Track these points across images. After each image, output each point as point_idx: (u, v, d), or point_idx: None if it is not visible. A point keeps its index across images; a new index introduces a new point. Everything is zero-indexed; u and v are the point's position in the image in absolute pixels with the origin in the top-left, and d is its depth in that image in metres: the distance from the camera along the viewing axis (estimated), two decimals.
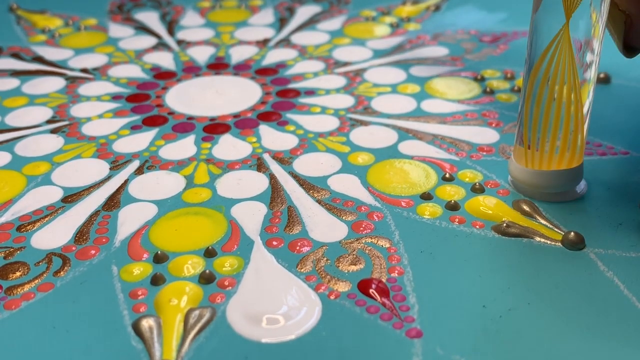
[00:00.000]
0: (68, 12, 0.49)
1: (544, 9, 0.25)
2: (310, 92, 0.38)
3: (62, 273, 0.25)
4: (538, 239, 0.26)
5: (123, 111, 0.36)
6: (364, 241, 0.26)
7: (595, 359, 0.21)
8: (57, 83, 0.40)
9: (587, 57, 0.25)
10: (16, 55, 0.43)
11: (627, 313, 0.23)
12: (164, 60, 0.42)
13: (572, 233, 0.25)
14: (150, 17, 0.49)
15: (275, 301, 0.23)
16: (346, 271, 0.25)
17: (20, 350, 0.22)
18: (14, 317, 0.23)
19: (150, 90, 0.38)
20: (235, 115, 0.35)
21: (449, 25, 0.46)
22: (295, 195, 0.29)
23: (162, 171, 0.31)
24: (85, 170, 0.31)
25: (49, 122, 0.35)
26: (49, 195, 0.29)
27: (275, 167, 0.31)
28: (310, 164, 0.31)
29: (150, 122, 0.35)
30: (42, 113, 0.36)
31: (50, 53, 0.43)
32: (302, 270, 0.25)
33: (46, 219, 0.28)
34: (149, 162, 0.32)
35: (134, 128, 0.35)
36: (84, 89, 0.39)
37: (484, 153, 0.31)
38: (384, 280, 0.24)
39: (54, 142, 0.33)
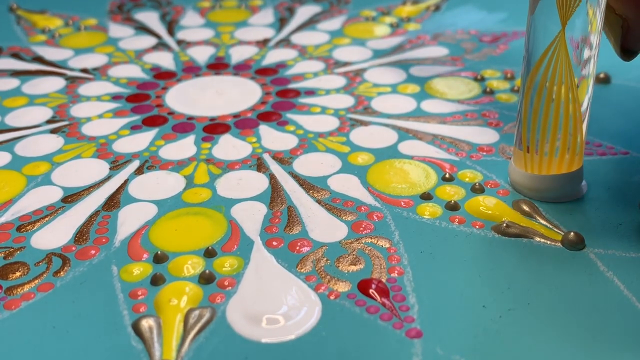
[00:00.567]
0: (68, 12, 0.49)
1: (540, 11, 0.25)
2: (310, 92, 0.38)
3: (62, 273, 0.25)
4: (538, 239, 0.26)
5: (123, 111, 0.36)
6: (363, 241, 0.26)
7: (596, 358, 0.21)
8: (57, 83, 0.40)
9: (585, 53, 0.25)
10: (16, 55, 0.43)
11: (627, 313, 0.23)
12: (164, 60, 0.42)
13: (572, 233, 0.25)
14: (150, 17, 0.49)
15: (275, 301, 0.23)
16: (346, 271, 0.25)
17: (20, 351, 0.22)
18: (13, 318, 0.23)
19: (150, 90, 0.39)
20: (235, 115, 0.35)
21: (449, 25, 0.46)
22: (295, 195, 0.29)
23: (162, 171, 0.31)
24: (85, 170, 0.31)
25: (49, 122, 0.35)
26: (48, 195, 0.29)
27: (275, 167, 0.31)
28: (310, 164, 0.31)
29: (150, 122, 0.35)
30: (42, 113, 0.36)
31: (50, 53, 0.43)
32: (302, 270, 0.25)
33: (46, 219, 0.28)
34: (149, 162, 0.32)
35: (134, 128, 0.35)
36: (84, 89, 0.39)
37: (484, 153, 0.31)
38: (383, 280, 0.24)
39: (54, 142, 0.33)
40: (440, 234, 0.26)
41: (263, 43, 0.44)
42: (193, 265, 0.25)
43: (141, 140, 0.33)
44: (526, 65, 0.26)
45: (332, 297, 0.24)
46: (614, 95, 0.36)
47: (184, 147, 0.33)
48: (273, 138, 0.33)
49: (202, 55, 0.43)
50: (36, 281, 0.25)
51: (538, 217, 0.27)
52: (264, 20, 0.48)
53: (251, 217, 0.28)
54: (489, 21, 0.46)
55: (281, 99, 0.37)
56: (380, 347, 0.22)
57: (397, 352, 0.21)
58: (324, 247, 0.26)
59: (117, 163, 0.32)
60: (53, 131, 0.34)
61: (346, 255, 0.25)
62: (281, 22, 0.47)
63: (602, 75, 0.37)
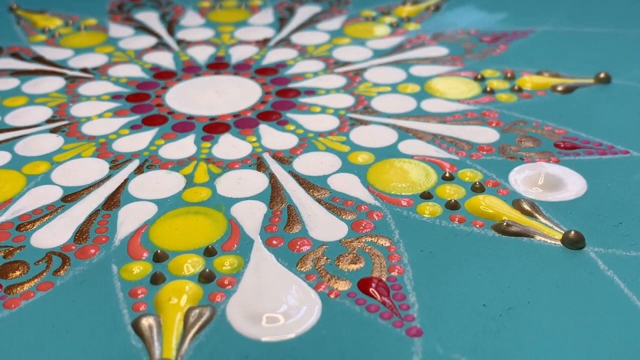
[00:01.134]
0: (68, 12, 0.49)
1: None
2: (310, 92, 0.38)
3: (61, 272, 0.25)
4: (538, 237, 0.26)
5: (123, 111, 0.36)
6: (364, 240, 0.26)
7: (596, 357, 0.21)
8: (57, 83, 0.39)
9: None
10: (16, 55, 0.43)
11: (627, 311, 0.23)
12: (164, 60, 0.42)
13: (572, 232, 0.25)
14: (150, 17, 0.49)
15: (275, 300, 0.23)
16: (346, 270, 0.25)
17: (20, 349, 0.22)
18: (13, 316, 0.23)
19: (150, 89, 0.38)
20: (235, 115, 0.35)
21: (449, 25, 0.46)
22: (295, 194, 0.29)
23: (162, 170, 0.31)
24: (85, 169, 0.31)
25: (48, 121, 0.35)
26: (48, 194, 0.29)
27: (275, 167, 0.31)
28: (310, 163, 0.31)
29: (150, 121, 0.35)
30: (42, 113, 0.36)
31: (50, 53, 0.43)
32: (302, 269, 0.25)
33: (46, 218, 0.28)
34: (148, 162, 0.32)
35: (134, 127, 0.35)
36: (84, 89, 0.39)
37: (484, 152, 0.31)
38: (384, 279, 0.24)
39: (54, 142, 0.33)
40: (440, 233, 0.26)
41: (263, 43, 0.44)
42: (193, 264, 0.25)
43: (141, 140, 0.33)
44: None
45: (332, 296, 0.23)
46: (615, 95, 0.36)
47: (184, 147, 0.33)
48: (273, 137, 0.33)
49: (202, 55, 0.43)
50: (36, 280, 0.25)
51: (538, 216, 0.27)
52: (264, 20, 0.48)
53: (251, 216, 0.28)
54: (489, 21, 0.46)
55: (281, 98, 0.37)
56: (381, 345, 0.22)
57: (397, 350, 0.21)
58: (324, 246, 0.26)
59: (117, 162, 0.32)
60: (53, 131, 0.34)
61: (346, 254, 0.25)
62: (281, 22, 0.47)
63: (602, 75, 0.37)
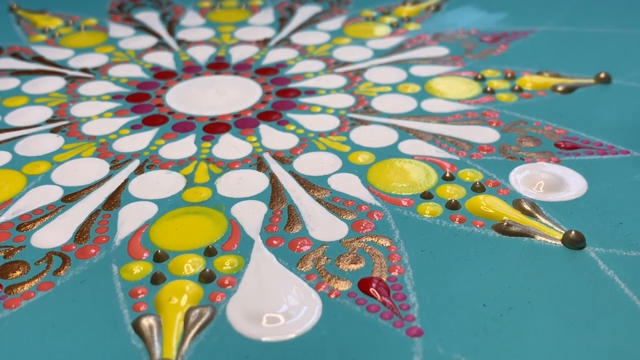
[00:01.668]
0: (68, 12, 0.49)
1: None
2: (311, 92, 0.38)
3: (62, 272, 0.25)
4: (539, 237, 0.26)
5: (123, 111, 0.36)
6: (364, 240, 0.26)
7: (596, 357, 0.21)
8: (57, 83, 0.39)
9: None
10: (16, 55, 0.43)
11: (627, 312, 0.23)
12: (164, 60, 0.42)
13: (573, 232, 0.25)
14: (150, 17, 0.49)
15: (275, 300, 0.23)
16: (346, 270, 0.25)
17: (20, 349, 0.22)
18: (14, 316, 0.23)
19: (151, 89, 0.38)
20: (236, 115, 0.35)
21: (449, 25, 0.46)
22: (296, 194, 0.29)
23: (162, 170, 0.31)
24: (86, 169, 0.31)
25: (49, 121, 0.35)
26: (49, 194, 0.29)
27: (275, 167, 0.31)
28: (310, 163, 0.31)
29: (151, 121, 0.35)
30: (42, 112, 0.36)
31: (50, 53, 0.43)
32: (303, 269, 0.25)
33: (46, 218, 0.28)
34: (149, 162, 0.32)
35: (134, 127, 0.35)
36: (84, 89, 0.39)
37: (485, 152, 0.31)
38: (384, 279, 0.24)
39: (54, 142, 0.33)
40: (440, 233, 0.26)
41: (263, 43, 0.44)
42: (193, 264, 0.25)
43: (141, 140, 0.33)
44: None
45: (332, 296, 0.23)
46: (615, 95, 0.36)
47: (184, 147, 0.33)
48: (273, 137, 0.33)
49: (202, 55, 0.43)
50: (36, 280, 0.25)
51: (539, 216, 0.27)
52: (264, 20, 0.48)
53: (251, 216, 0.28)
54: (489, 21, 0.46)
55: (281, 98, 0.37)
56: (381, 345, 0.22)
57: (397, 350, 0.21)
58: (324, 246, 0.26)
59: (117, 162, 0.32)
60: (53, 131, 0.34)
61: (347, 254, 0.25)
62: (281, 22, 0.47)
63: (602, 75, 0.37)
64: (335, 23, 0.47)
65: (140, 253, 0.26)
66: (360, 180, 0.30)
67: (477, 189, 0.29)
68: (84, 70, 0.41)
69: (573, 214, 0.27)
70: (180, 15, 0.49)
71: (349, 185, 0.29)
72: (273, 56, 0.42)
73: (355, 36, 0.45)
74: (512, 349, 0.21)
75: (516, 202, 0.28)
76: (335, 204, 0.28)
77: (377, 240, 0.26)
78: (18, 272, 0.25)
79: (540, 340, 0.22)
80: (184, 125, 0.35)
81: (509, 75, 0.38)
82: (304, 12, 0.49)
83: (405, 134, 0.33)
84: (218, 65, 0.41)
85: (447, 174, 0.30)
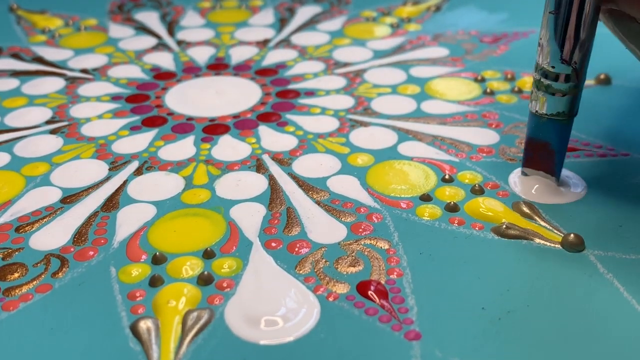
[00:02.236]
0: (68, 12, 0.49)
1: None
2: (310, 93, 0.38)
3: (60, 274, 0.25)
4: (538, 240, 0.26)
5: (122, 112, 0.36)
6: (363, 242, 0.26)
7: None
8: (57, 83, 0.39)
9: None
10: (16, 56, 0.43)
11: (626, 316, 0.23)
12: (164, 60, 0.42)
13: (572, 235, 0.25)
14: (150, 18, 0.49)
15: (273, 303, 0.23)
16: (345, 273, 0.25)
17: (18, 352, 0.22)
18: (11, 319, 0.23)
19: (150, 90, 0.38)
20: (235, 116, 0.35)
21: (449, 25, 0.46)
22: (295, 196, 0.29)
23: (161, 172, 0.31)
24: (85, 171, 0.31)
25: (48, 122, 0.35)
26: (47, 196, 0.29)
27: (274, 168, 0.31)
28: (309, 165, 0.31)
29: (150, 122, 0.35)
30: (42, 113, 0.36)
31: (50, 53, 0.43)
32: (301, 271, 0.25)
33: (45, 220, 0.28)
34: (148, 163, 0.32)
35: (134, 129, 0.35)
36: (84, 90, 0.39)
37: (484, 154, 0.31)
38: (382, 282, 0.24)
39: (53, 143, 0.33)
40: (439, 236, 0.26)
41: (263, 43, 0.44)
42: (192, 267, 0.25)
43: (140, 141, 0.33)
44: None
45: (331, 299, 0.23)
46: (615, 97, 0.36)
47: (183, 148, 0.33)
48: (272, 139, 0.33)
49: (202, 55, 0.43)
50: (34, 282, 0.25)
51: (538, 219, 0.27)
52: (264, 20, 0.48)
53: (250, 218, 0.28)
54: (490, 22, 0.46)
55: (281, 99, 0.37)
56: (379, 349, 0.22)
57: (395, 354, 0.21)
58: (323, 249, 0.26)
59: (116, 164, 0.32)
60: (52, 132, 0.34)
61: (345, 257, 0.25)
62: (281, 23, 0.47)
63: (602, 77, 0.37)
64: (335, 24, 0.47)
65: (138, 255, 0.26)
66: (359, 182, 0.30)
67: (477, 191, 0.29)
68: (84, 71, 0.41)
69: (572, 217, 0.27)
70: (180, 15, 0.49)
71: (348, 187, 0.29)
72: (273, 57, 0.42)
73: (355, 37, 0.45)
74: (510, 352, 0.21)
75: (515, 205, 0.28)
76: (334, 206, 0.28)
77: (376, 242, 0.26)
78: (16, 274, 0.25)
79: (539, 343, 0.22)
80: (183, 126, 0.35)
81: (509, 76, 0.38)
82: (304, 13, 0.49)
83: (405, 135, 0.33)
84: (218, 66, 0.41)
85: (447, 176, 0.30)
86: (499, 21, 0.46)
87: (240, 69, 0.41)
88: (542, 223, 0.27)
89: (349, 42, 0.44)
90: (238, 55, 0.43)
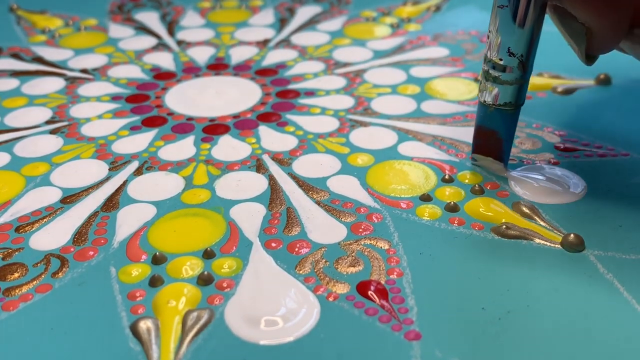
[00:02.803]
0: (68, 13, 0.49)
1: None
2: (310, 93, 0.38)
3: (60, 274, 0.25)
4: (537, 240, 0.26)
5: (122, 112, 0.36)
6: (363, 243, 0.26)
7: None
8: (57, 83, 0.39)
9: None
10: (16, 56, 0.43)
11: (626, 315, 0.23)
12: (164, 60, 0.42)
13: (572, 235, 0.25)
14: (150, 18, 0.49)
15: (273, 303, 0.23)
16: (345, 273, 0.25)
17: (18, 352, 0.22)
18: (11, 319, 0.23)
19: (150, 90, 0.38)
20: (235, 116, 0.35)
21: (449, 25, 0.46)
22: (295, 196, 0.29)
23: (161, 172, 0.31)
24: (84, 171, 0.31)
25: (48, 122, 0.35)
26: (47, 196, 0.29)
27: (274, 168, 0.31)
28: (309, 165, 0.31)
29: (150, 122, 0.35)
30: (42, 113, 0.36)
31: (50, 53, 0.43)
32: (301, 272, 0.25)
33: (45, 220, 0.28)
34: (148, 163, 0.32)
35: (133, 129, 0.35)
36: (84, 90, 0.39)
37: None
38: (382, 282, 0.24)
39: (53, 143, 0.33)
40: (439, 236, 0.26)
41: (263, 43, 0.44)
42: (192, 267, 0.25)
43: (140, 141, 0.33)
44: None
45: (330, 299, 0.23)
46: (615, 97, 0.36)
47: (183, 148, 0.33)
48: (273, 139, 0.33)
49: (202, 55, 0.43)
50: (34, 282, 0.25)
51: (538, 219, 0.27)
52: (264, 20, 0.48)
53: (250, 219, 0.28)
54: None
55: (281, 99, 0.37)
56: (379, 349, 0.22)
57: (395, 354, 0.21)
58: (323, 249, 0.26)
59: (116, 164, 0.32)
60: (52, 132, 0.34)
61: (345, 257, 0.25)
62: (281, 23, 0.47)
63: (602, 77, 0.37)
64: (335, 24, 0.47)
65: (138, 255, 0.26)
66: (359, 182, 0.30)
67: (476, 191, 0.29)
68: (84, 71, 0.41)
69: (572, 217, 0.27)
70: (180, 15, 0.49)
71: (348, 187, 0.29)
72: (273, 57, 0.42)
73: (355, 37, 0.45)
74: (510, 352, 0.21)
75: (515, 205, 0.28)
76: (334, 206, 0.28)
77: (376, 242, 0.26)
78: (16, 274, 0.25)
79: (539, 343, 0.22)
80: (183, 126, 0.35)
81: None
82: (304, 13, 0.49)
83: (405, 135, 0.33)
84: (218, 66, 0.41)
85: (447, 176, 0.30)
86: None
87: (240, 69, 0.41)
88: (542, 223, 0.27)
89: (349, 42, 0.44)
90: (238, 55, 0.43)
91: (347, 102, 0.36)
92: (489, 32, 0.27)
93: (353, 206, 0.28)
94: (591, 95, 0.36)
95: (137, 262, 0.25)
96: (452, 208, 0.28)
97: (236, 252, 0.26)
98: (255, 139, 0.33)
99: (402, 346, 0.22)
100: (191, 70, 0.41)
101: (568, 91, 0.36)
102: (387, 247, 0.26)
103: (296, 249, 0.26)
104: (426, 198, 0.28)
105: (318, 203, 0.28)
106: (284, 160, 0.31)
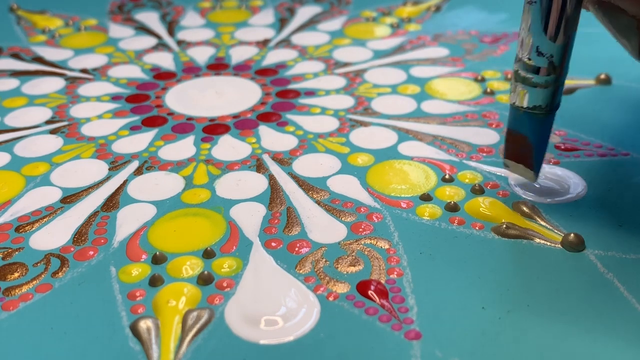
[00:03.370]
0: (68, 13, 0.49)
1: None
2: (310, 93, 0.38)
3: (60, 274, 0.25)
4: (538, 240, 0.26)
5: (122, 112, 0.36)
6: (363, 242, 0.26)
7: None
8: (57, 83, 0.39)
9: None
10: (16, 56, 0.43)
11: (627, 315, 0.23)
12: (164, 60, 0.42)
13: (572, 234, 0.25)
14: (150, 18, 0.49)
15: (273, 302, 0.23)
16: (345, 272, 0.25)
17: (18, 352, 0.22)
18: (12, 319, 0.23)
19: (150, 90, 0.38)
20: (235, 116, 0.35)
21: (449, 25, 0.46)
22: (295, 196, 0.29)
23: (161, 172, 0.31)
24: (85, 170, 0.31)
25: (48, 122, 0.35)
26: (47, 195, 0.29)
27: (274, 168, 0.31)
28: (309, 165, 0.31)
29: (150, 122, 0.35)
30: (42, 113, 0.36)
31: (50, 53, 0.43)
32: (301, 271, 0.25)
33: (45, 220, 0.28)
34: (148, 163, 0.32)
35: (134, 128, 0.35)
36: (84, 90, 0.39)
37: (484, 154, 0.31)
38: (382, 281, 0.24)
39: (53, 143, 0.33)
40: (439, 235, 0.26)
41: (263, 43, 0.44)
42: (192, 266, 0.25)
43: (140, 141, 0.33)
44: None
45: (331, 299, 0.23)
46: (615, 96, 0.36)
47: (183, 148, 0.33)
48: (273, 139, 0.33)
49: (202, 55, 0.43)
50: (34, 282, 0.25)
51: (538, 219, 0.27)
52: (264, 20, 0.48)
53: (250, 218, 0.28)
54: (490, 22, 0.46)
55: (281, 99, 0.37)
56: (379, 348, 0.22)
57: (396, 353, 0.21)
58: (323, 248, 0.26)
59: (116, 164, 0.32)
60: (52, 131, 0.34)
61: (345, 257, 0.25)
62: (281, 23, 0.47)
63: (602, 76, 0.37)
64: (335, 24, 0.47)
65: (138, 255, 0.26)
66: (359, 182, 0.30)
67: (477, 190, 0.29)
68: (84, 70, 0.41)
69: (572, 217, 0.27)
70: (180, 15, 0.49)
71: (348, 186, 0.29)
72: (273, 57, 0.42)
73: (355, 37, 0.45)
74: (510, 352, 0.21)
75: (515, 205, 0.28)
76: (335, 205, 0.28)
77: (376, 242, 0.26)
78: (16, 274, 0.25)
79: (539, 343, 0.22)
80: (183, 126, 0.35)
81: (509, 76, 0.38)
82: (304, 13, 0.49)
83: (405, 135, 0.33)
84: (218, 66, 0.41)
85: (447, 176, 0.30)
86: (499, 21, 0.46)
87: (240, 69, 0.41)
88: (542, 223, 0.27)
89: (349, 42, 0.44)
90: (238, 55, 0.43)
91: (347, 102, 0.36)
92: (520, 29, 0.25)
93: (353, 206, 0.28)
94: (591, 95, 0.36)
95: (137, 262, 0.25)
96: (452, 208, 0.28)
97: (236, 252, 0.26)
98: (255, 138, 0.33)
99: (402, 346, 0.22)
100: (191, 70, 0.41)
101: (568, 91, 0.36)
102: (387, 246, 0.26)
103: (296, 249, 0.26)
104: (426, 198, 0.28)
105: (318, 203, 0.28)
106: (284, 160, 0.31)
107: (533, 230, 0.26)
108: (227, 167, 0.31)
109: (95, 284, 0.24)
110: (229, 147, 0.33)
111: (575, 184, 0.29)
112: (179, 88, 0.39)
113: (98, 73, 0.41)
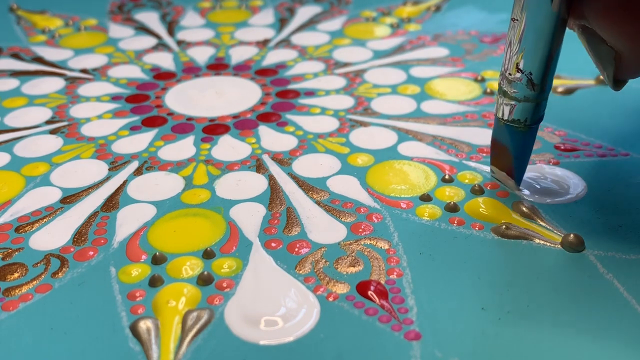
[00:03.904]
0: (68, 13, 0.49)
1: None
2: (310, 93, 0.38)
3: (60, 274, 0.25)
4: (537, 240, 0.26)
5: (122, 112, 0.36)
6: (362, 243, 0.26)
7: None
8: (57, 83, 0.39)
9: None
10: (16, 56, 0.43)
11: (626, 316, 0.23)
12: (164, 60, 0.42)
13: (572, 235, 0.25)
14: (150, 18, 0.49)
15: (273, 303, 0.23)
16: (345, 273, 0.25)
17: (17, 352, 0.22)
18: (11, 319, 0.23)
19: (150, 90, 0.38)
20: (235, 116, 0.35)
21: (449, 25, 0.46)
22: (294, 196, 0.29)
23: (161, 172, 0.31)
24: (84, 171, 0.31)
25: (48, 122, 0.35)
26: (47, 196, 0.29)
27: (274, 168, 0.31)
28: (309, 165, 0.31)
29: (150, 122, 0.35)
30: (42, 113, 0.36)
31: (50, 53, 0.43)
32: (301, 271, 0.25)
33: (45, 220, 0.28)
34: (147, 163, 0.32)
35: (133, 129, 0.35)
36: (84, 90, 0.39)
37: (484, 154, 0.31)
38: (382, 282, 0.24)
39: (53, 143, 0.33)
40: (439, 236, 0.26)
41: (263, 43, 0.44)
42: (191, 267, 0.25)
43: (140, 141, 0.33)
44: None
45: (330, 299, 0.23)
46: (615, 96, 0.36)
47: (183, 148, 0.33)
48: (272, 139, 0.33)
49: (202, 55, 0.43)
50: (34, 282, 0.25)
51: (538, 219, 0.27)
52: (264, 20, 0.48)
53: (250, 219, 0.28)
54: (490, 22, 0.46)
55: (281, 99, 0.37)
56: (379, 349, 0.22)
57: (395, 354, 0.21)
58: (322, 249, 0.26)
59: (116, 164, 0.32)
60: (52, 132, 0.34)
61: (345, 257, 0.25)
62: (281, 23, 0.47)
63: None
64: (335, 24, 0.47)
65: (138, 255, 0.26)
66: (359, 182, 0.30)
67: (476, 191, 0.29)
68: (84, 71, 0.41)
69: (572, 217, 0.27)
70: (180, 15, 0.49)
71: (348, 187, 0.29)
72: (273, 57, 0.42)
73: (355, 37, 0.45)
74: (510, 352, 0.21)
75: (515, 205, 0.28)
76: (334, 206, 0.28)
77: (376, 242, 0.26)
78: (16, 274, 0.25)
79: (539, 343, 0.22)
80: (183, 126, 0.35)
81: None
82: (304, 13, 0.49)
83: (405, 135, 0.33)
84: (218, 66, 0.41)
85: (447, 176, 0.30)
86: (499, 21, 0.46)
87: (240, 69, 0.41)
88: (542, 223, 0.27)
89: (349, 42, 0.44)
90: (238, 55, 0.43)
91: (347, 102, 0.36)
92: (505, 44, 0.26)
93: (353, 206, 0.28)
94: (591, 95, 0.36)
95: (137, 262, 0.25)
96: (452, 208, 0.28)
97: (236, 252, 0.26)
98: (255, 139, 0.33)
99: (402, 346, 0.22)
100: (191, 70, 0.41)
101: (568, 91, 0.36)
102: (387, 247, 0.26)
103: (296, 249, 0.26)
104: (426, 198, 0.28)
105: (318, 203, 0.28)
106: (284, 160, 0.31)
107: (533, 230, 0.26)
108: (227, 167, 0.31)
109: (95, 285, 0.24)
110: (228, 148, 0.33)
111: (575, 184, 0.29)
112: (178, 88, 0.39)
113: (98, 73, 0.41)
